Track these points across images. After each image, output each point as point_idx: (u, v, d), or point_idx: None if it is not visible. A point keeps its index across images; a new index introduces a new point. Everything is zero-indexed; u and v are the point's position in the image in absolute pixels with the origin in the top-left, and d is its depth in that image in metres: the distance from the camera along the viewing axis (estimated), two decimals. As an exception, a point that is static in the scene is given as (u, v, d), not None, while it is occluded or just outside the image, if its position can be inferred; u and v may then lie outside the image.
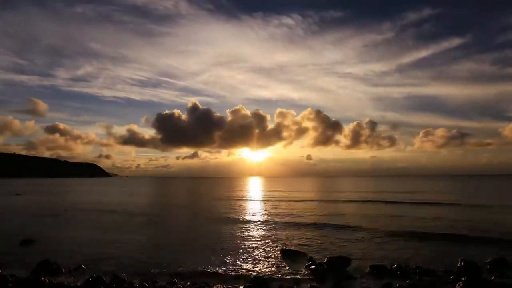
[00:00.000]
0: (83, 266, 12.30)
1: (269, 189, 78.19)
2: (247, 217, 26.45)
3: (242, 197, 52.16)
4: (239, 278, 11.04)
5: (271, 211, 31.22)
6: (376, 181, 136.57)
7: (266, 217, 26.73)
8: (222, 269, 12.07)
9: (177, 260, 13.43)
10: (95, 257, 13.76)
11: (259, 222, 23.71)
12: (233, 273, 11.63)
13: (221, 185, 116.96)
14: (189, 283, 10.53)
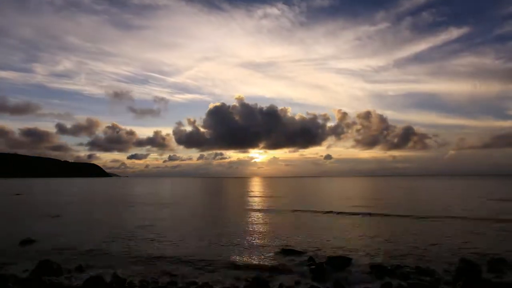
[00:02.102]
0: (83, 266, 12.30)
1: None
2: (248, 217, 26.46)
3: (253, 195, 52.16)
4: (239, 277, 11.04)
5: (272, 211, 31.22)
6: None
7: (267, 216, 26.74)
8: (222, 269, 12.07)
9: (177, 260, 13.44)
10: (95, 257, 13.77)
11: (259, 222, 23.72)
12: (233, 272, 11.63)
13: (209, 184, 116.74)
14: (189, 283, 10.54)
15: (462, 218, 24.57)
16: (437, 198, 46.47)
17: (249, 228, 21.27)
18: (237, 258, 13.67)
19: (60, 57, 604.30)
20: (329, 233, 19.16)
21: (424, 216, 25.37)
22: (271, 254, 14.31)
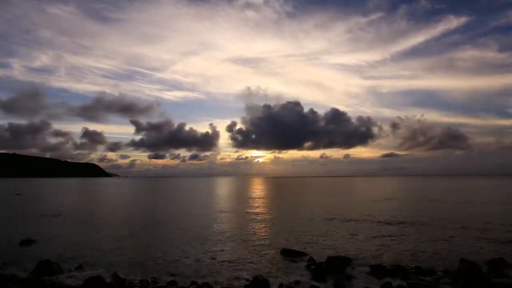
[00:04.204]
0: (83, 266, 12.30)
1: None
2: (247, 217, 26.44)
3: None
4: (239, 278, 11.04)
5: (272, 210, 31.21)
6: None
7: (267, 216, 26.72)
8: (222, 269, 12.08)
9: (177, 260, 13.45)
10: (95, 257, 13.77)
11: (259, 222, 23.70)
12: (233, 272, 11.64)
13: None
14: (189, 282, 10.54)
15: (462, 218, 24.58)
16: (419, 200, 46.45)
17: (249, 228, 21.26)
18: (238, 258, 13.67)
19: (37, 52, 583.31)
20: (329, 234, 19.17)
21: (424, 217, 25.38)
22: (271, 254, 14.31)
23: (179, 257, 13.83)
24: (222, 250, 14.99)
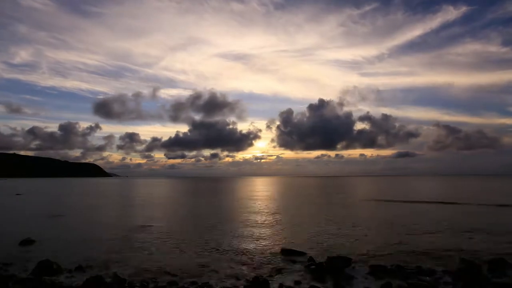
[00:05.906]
0: (83, 266, 12.30)
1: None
2: (247, 216, 26.42)
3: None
4: (239, 278, 11.04)
5: (271, 210, 31.19)
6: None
7: (266, 216, 26.71)
8: (222, 269, 12.07)
9: (177, 259, 13.45)
10: (95, 257, 13.76)
11: (259, 221, 23.69)
12: (233, 272, 11.64)
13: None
14: (189, 282, 10.54)
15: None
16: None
17: (249, 228, 21.25)
18: (237, 258, 13.67)
19: (15, 47, 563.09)
20: (329, 234, 19.17)
21: (422, 217, 25.35)
22: (271, 254, 14.30)
23: (179, 257, 13.83)
24: (222, 250, 14.98)
